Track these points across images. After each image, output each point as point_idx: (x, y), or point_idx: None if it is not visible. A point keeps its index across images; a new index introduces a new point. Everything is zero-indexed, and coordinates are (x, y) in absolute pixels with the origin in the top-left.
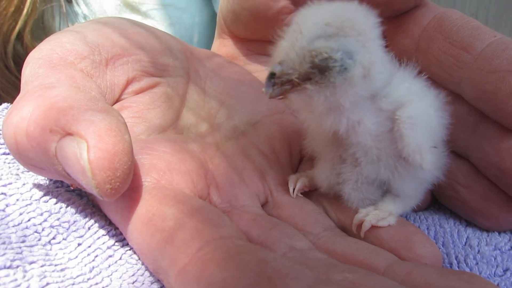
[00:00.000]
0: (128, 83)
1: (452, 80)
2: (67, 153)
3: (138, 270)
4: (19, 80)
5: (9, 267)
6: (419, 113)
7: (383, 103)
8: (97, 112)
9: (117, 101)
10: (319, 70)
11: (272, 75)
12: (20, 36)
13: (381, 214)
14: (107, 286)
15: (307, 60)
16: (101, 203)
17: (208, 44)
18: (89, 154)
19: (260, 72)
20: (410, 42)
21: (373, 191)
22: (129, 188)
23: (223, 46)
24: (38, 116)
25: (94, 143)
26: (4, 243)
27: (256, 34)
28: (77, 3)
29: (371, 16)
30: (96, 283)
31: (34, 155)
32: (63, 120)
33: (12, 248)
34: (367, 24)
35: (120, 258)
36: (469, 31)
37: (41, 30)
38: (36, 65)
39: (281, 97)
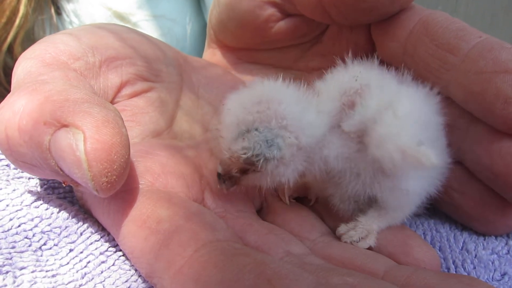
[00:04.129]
0: (122, 86)
1: (440, 82)
2: (61, 145)
3: (132, 276)
4: (9, 91)
5: None
6: (384, 128)
7: (345, 126)
8: (94, 104)
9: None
10: (250, 165)
11: (219, 175)
12: (10, 47)
13: (357, 235)
14: None
15: (235, 161)
16: (92, 207)
17: (199, 54)
18: (85, 145)
19: (251, 80)
20: (397, 45)
21: (363, 202)
22: (122, 190)
23: (213, 55)
24: (32, 109)
25: (91, 134)
26: None
27: (245, 43)
28: (67, 15)
29: (285, 90)
30: None
31: (25, 150)
32: (58, 112)
33: (2, 254)
34: (282, 99)
35: (113, 264)
36: (455, 32)
37: (32, 42)
38: (28, 65)
39: (235, 187)
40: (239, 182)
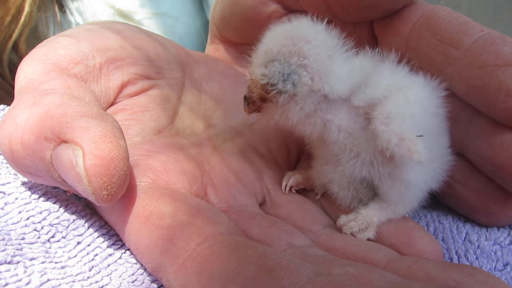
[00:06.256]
0: (123, 86)
1: (442, 76)
2: (62, 160)
3: (138, 269)
4: (14, 88)
5: (9, 263)
6: (395, 107)
7: (355, 100)
8: (92, 118)
9: (112, 104)
10: (266, 92)
11: (245, 97)
12: (15, 45)
13: (357, 226)
14: (106, 285)
15: (255, 85)
16: (97, 205)
17: (202, 52)
18: (84, 161)
19: None
20: (400, 40)
21: (362, 191)
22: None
23: (216, 50)
24: (33, 124)
25: (90, 150)
26: (3, 239)
27: (248, 38)
28: (71, 12)
29: (320, 33)
30: (96, 281)
31: (29, 163)
32: (57, 127)
33: (12, 245)
34: (311, 40)
35: (120, 257)
36: (457, 27)
37: (36, 39)
38: (30, 72)
39: (257, 112)
40: (260, 110)
